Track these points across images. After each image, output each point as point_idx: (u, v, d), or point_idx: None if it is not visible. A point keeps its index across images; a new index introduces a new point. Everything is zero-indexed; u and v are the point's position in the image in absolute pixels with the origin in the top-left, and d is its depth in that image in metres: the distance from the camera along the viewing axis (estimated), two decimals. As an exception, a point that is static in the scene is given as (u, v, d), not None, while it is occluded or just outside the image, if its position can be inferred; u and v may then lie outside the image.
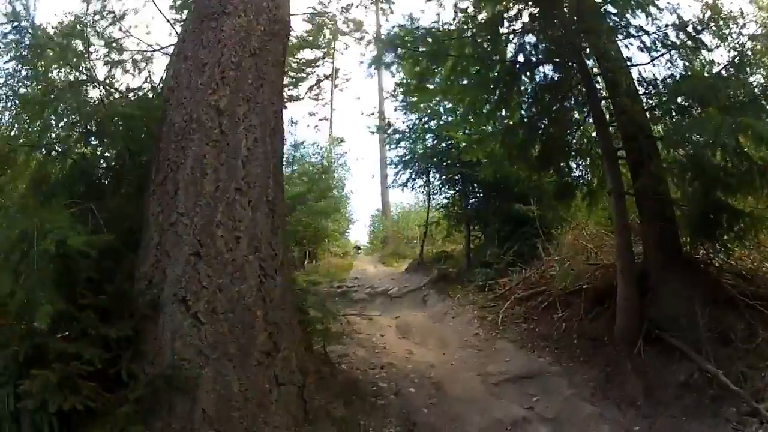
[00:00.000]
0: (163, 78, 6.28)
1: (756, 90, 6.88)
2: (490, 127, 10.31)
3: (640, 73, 8.25)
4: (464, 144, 12.58)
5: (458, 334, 9.60)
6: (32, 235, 3.96)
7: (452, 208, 17.26)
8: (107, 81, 6.50)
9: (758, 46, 7.23)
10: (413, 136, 16.78)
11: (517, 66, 8.70)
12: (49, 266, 3.98)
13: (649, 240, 8.21)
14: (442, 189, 17.67)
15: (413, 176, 17.35)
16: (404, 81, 10.79)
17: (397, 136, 17.32)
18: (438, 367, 7.43)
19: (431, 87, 9.61)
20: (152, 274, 4.34)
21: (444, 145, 15.85)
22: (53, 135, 5.74)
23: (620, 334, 7.60)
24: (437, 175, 17.21)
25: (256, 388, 4.12)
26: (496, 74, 8.80)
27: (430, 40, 8.47)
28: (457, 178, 16.14)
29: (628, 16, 7.97)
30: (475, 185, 15.81)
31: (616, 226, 8.08)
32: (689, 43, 7.62)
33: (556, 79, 8.82)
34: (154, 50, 7.87)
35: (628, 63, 8.26)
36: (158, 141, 4.89)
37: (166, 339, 4.07)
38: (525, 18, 8.42)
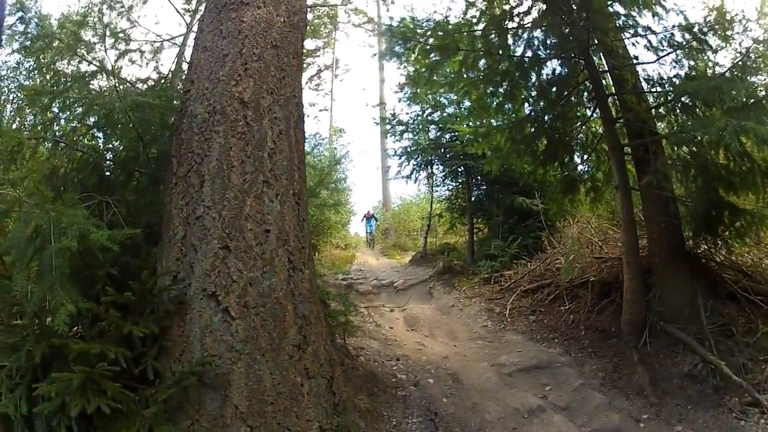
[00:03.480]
0: (172, 69, 6.04)
1: (759, 92, 6.80)
2: (495, 121, 10.29)
3: (645, 72, 8.21)
4: (469, 137, 12.41)
5: (467, 327, 9.53)
6: (47, 231, 3.67)
7: (455, 200, 17.24)
8: (116, 71, 6.25)
9: (761, 49, 7.07)
10: (417, 127, 16.63)
11: (525, 61, 8.60)
12: (66, 263, 3.70)
13: (653, 235, 8.15)
14: (445, 181, 17.68)
15: (417, 168, 17.14)
16: (412, 72, 10.55)
17: (400, 127, 17.02)
18: (451, 358, 7.35)
19: (439, 79, 9.43)
20: (177, 269, 4.17)
21: (447, 137, 15.83)
22: (59, 127, 5.58)
23: (627, 326, 7.59)
24: (440, 167, 17.12)
25: (288, 382, 3.98)
26: (504, 68, 8.69)
27: (440, 33, 8.33)
28: (460, 170, 16.09)
29: (635, 15, 7.89)
30: (479, 178, 15.78)
31: (623, 221, 8.02)
32: (695, 44, 7.56)
33: (563, 74, 8.73)
34: (163, 40, 7.63)
35: (635, 61, 8.19)
36: (179, 132, 4.71)
37: (195, 335, 3.90)
38: (534, 14, 8.34)
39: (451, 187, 17.65)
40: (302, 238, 4.63)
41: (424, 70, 9.14)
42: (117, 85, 5.32)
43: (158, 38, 7.28)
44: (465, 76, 8.96)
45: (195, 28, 7.18)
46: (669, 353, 7.06)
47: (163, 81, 6.11)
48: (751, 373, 6.47)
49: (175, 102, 5.21)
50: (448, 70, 9.27)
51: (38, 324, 3.71)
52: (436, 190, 18.81)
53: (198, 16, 7.53)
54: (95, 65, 5.66)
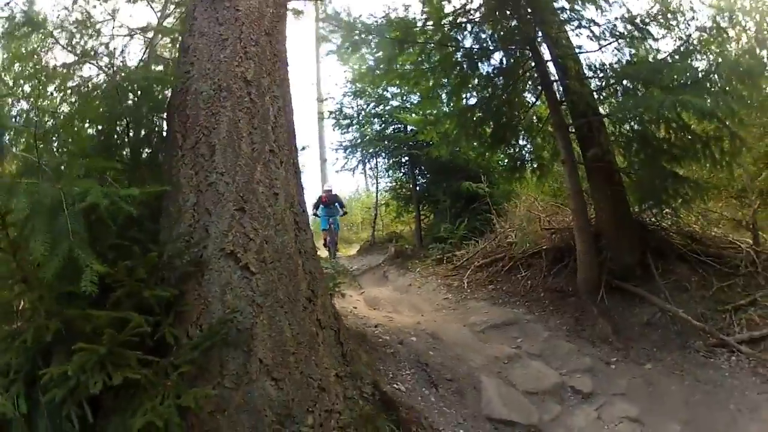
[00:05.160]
0: (144, 58, 6.08)
1: (699, 74, 7.19)
2: (445, 109, 10.66)
3: (588, 59, 8.68)
4: (417, 126, 12.93)
5: (429, 301, 9.67)
6: (63, 199, 3.50)
7: (400, 189, 17.49)
8: (112, 56, 6.19)
9: (704, 36, 7.60)
10: (362, 120, 16.83)
11: (475, 52, 8.96)
12: (83, 227, 3.52)
13: (600, 204, 8.62)
14: (388, 172, 17.89)
15: (362, 160, 17.48)
16: (370, 65, 10.75)
17: (345, 121, 17.19)
18: (423, 323, 7.50)
19: (396, 71, 9.70)
20: (190, 233, 4.21)
21: (391, 129, 16.17)
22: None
23: (583, 285, 7.97)
24: (385, 159, 17.41)
25: (305, 332, 4.10)
26: (455, 60, 9.04)
27: (399, 27, 8.73)
28: (404, 160, 16.36)
29: (578, 8, 8.31)
30: (422, 167, 16.07)
31: (571, 191, 8.38)
32: (636, 33, 8.00)
33: (509, 64, 9.10)
34: (156, 28, 7.42)
35: (578, 50, 8.64)
36: (182, 109, 4.71)
37: (215, 294, 3.95)
38: (484, 9, 8.65)
39: (395, 177, 17.90)
40: (302, 202, 4.87)
41: (380, 63, 9.48)
42: (113, 67, 5.31)
43: (133, 31, 7.03)
44: (421, 67, 9.29)
45: (165, 21, 7.14)
46: (627, 306, 7.51)
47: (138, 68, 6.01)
48: (711, 320, 6.91)
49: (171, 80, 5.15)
50: (398, 65, 9.53)
51: (48, 298, 3.51)
52: (380, 182, 18.90)
53: (167, 8, 7.50)
54: (82, 52, 5.62)
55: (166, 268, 3.99)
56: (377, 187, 19.21)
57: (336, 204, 14.90)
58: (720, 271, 7.66)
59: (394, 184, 17.98)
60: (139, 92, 5.03)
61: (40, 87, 5.40)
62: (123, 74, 5.22)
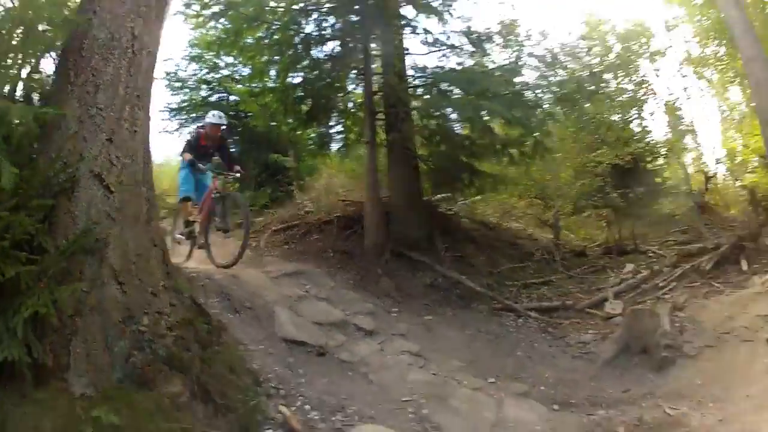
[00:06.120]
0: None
1: (517, 87, 8.98)
2: (270, 84, 11.66)
3: (414, 61, 10.18)
4: (242, 96, 13.98)
5: (225, 258, 9.95)
6: None
7: (212, 155, 17.65)
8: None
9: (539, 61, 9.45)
10: (193, 85, 17.10)
11: (312, 38, 10.14)
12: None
13: (395, 183, 10.12)
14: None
15: (186, 123, 17.35)
16: (219, 35, 11.33)
17: (177, 84, 17.19)
18: (223, 270, 8.17)
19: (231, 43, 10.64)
20: (68, 156, 4.87)
21: (216, 97, 16.71)
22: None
23: (369, 248, 9.34)
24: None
25: (143, 247, 5.03)
26: (293, 42, 10.17)
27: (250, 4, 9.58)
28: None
29: (418, 18, 9.74)
30: (237, 137, 16.47)
31: (367, 167, 9.80)
32: (469, 47, 9.61)
33: (341, 53, 10.34)
34: None
35: (406, 51, 10.09)
36: (78, 51, 5.26)
37: (81, 209, 4.71)
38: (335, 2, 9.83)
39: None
40: (149, 141, 5.75)
41: (229, 34, 10.37)
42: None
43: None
44: (260, 43, 10.39)
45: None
46: (409, 269, 8.87)
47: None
48: (497, 291, 8.24)
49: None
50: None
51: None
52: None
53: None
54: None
55: (43, 185, 4.63)
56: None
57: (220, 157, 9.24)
58: (511, 255, 9.27)
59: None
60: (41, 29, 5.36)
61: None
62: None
